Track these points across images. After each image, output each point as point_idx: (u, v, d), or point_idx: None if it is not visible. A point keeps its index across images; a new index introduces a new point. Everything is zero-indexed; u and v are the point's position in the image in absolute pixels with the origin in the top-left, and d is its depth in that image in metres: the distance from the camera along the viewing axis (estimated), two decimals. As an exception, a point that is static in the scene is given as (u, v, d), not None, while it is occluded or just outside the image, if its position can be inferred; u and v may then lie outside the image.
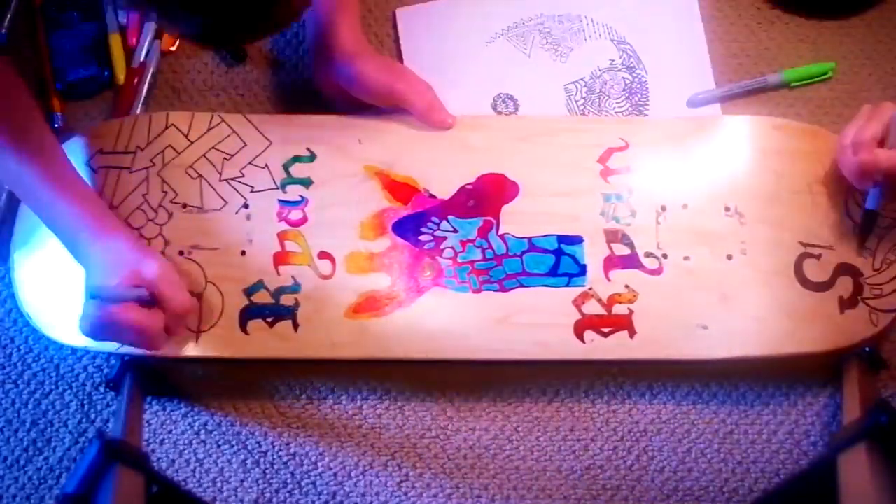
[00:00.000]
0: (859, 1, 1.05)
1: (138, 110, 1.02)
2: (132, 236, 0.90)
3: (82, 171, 0.94)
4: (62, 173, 0.89)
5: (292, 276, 0.91)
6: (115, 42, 1.04)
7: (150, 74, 1.03)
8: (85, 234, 0.87)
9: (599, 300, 0.90)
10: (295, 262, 0.92)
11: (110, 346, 0.88)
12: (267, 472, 0.93)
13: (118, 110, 1.02)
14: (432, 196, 0.94)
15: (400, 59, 1.03)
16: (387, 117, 0.98)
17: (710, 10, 1.06)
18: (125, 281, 0.84)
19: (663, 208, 0.93)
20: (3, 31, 1.04)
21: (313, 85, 0.99)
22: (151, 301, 0.84)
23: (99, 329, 0.84)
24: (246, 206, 0.94)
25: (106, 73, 1.03)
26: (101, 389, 0.95)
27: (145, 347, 0.86)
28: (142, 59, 1.04)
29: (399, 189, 0.94)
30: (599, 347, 0.89)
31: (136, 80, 1.03)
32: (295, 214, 0.93)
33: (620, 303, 0.90)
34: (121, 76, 1.03)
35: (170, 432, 0.94)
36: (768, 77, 1.02)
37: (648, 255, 0.92)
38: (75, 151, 0.95)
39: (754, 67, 1.03)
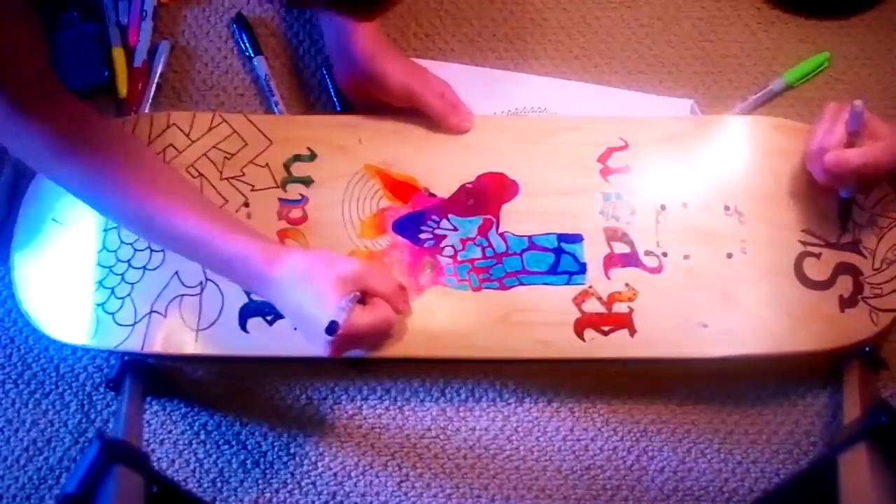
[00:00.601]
0: (859, 1, 1.05)
1: (146, 111, 1.02)
2: (297, 247, 0.91)
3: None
4: (213, 213, 0.86)
5: (292, 275, 0.91)
6: (119, 55, 1.04)
7: (156, 76, 1.04)
8: (257, 266, 0.83)
9: (599, 298, 0.90)
10: (295, 261, 0.92)
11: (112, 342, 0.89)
12: (267, 472, 0.93)
13: (123, 112, 1.02)
14: (432, 195, 0.94)
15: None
16: (387, 117, 0.98)
17: (710, 10, 1.06)
18: (336, 292, 0.82)
19: (663, 207, 0.93)
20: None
21: (337, 84, 1.00)
22: (362, 300, 0.84)
23: (343, 349, 0.84)
24: (246, 204, 0.94)
25: (105, 73, 1.03)
26: (101, 389, 0.95)
27: (385, 339, 0.88)
28: (143, 57, 1.04)
29: (399, 188, 0.94)
30: (599, 346, 0.89)
31: (140, 85, 1.03)
32: (295, 213, 0.94)
33: (620, 301, 0.90)
34: (123, 89, 1.03)
35: (170, 432, 0.94)
36: (772, 85, 1.02)
37: (648, 253, 0.92)
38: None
39: (754, 67, 1.03)
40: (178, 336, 0.90)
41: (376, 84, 0.94)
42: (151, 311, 0.90)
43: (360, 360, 0.91)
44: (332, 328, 0.78)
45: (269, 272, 0.82)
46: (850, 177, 0.87)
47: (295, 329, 0.87)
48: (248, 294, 0.91)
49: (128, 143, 0.88)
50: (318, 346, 0.81)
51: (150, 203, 0.83)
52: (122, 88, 1.03)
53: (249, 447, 0.93)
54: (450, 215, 0.93)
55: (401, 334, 0.90)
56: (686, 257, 0.92)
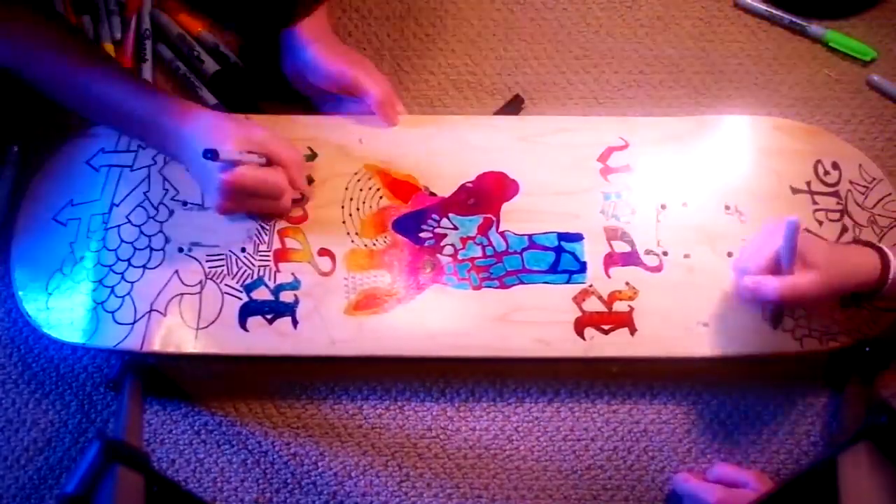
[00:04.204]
0: (859, 1, 1.05)
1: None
2: (211, 110, 0.93)
3: (84, 170, 0.95)
4: (132, 81, 0.92)
5: (292, 273, 0.91)
6: (108, 51, 1.05)
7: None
8: (170, 121, 0.89)
9: (600, 297, 0.90)
10: (295, 259, 0.92)
11: (111, 336, 0.88)
12: (267, 471, 0.93)
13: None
14: (433, 194, 0.94)
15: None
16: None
17: (710, 10, 1.06)
18: (237, 147, 0.86)
19: (663, 206, 0.93)
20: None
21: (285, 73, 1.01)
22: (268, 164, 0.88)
23: (228, 195, 0.88)
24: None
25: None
26: (101, 389, 0.95)
27: (276, 209, 0.92)
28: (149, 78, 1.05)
29: (399, 187, 0.94)
30: (600, 344, 0.89)
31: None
32: (296, 212, 0.94)
33: (621, 300, 0.90)
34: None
35: (170, 432, 0.94)
36: (811, 26, 1.04)
37: (649, 252, 0.92)
38: (77, 151, 0.96)
39: (754, 67, 1.04)
40: (177, 335, 0.89)
41: (312, 69, 0.96)
42: (151, 310, 0.90)
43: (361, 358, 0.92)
44: (209, 153, 0.82)
45: (181, 126, 0.88)
46: (769, 301, 0.86)
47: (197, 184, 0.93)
48: (248, 293, 0.91)
49: (59, 24, 0.93)
50: (210, 197, 0.90)
51: (75, 71, 0.89)
52: None
53: (249, 447, 0.93)
54: (450, 214, 0.93)
55: (401, 333, 0.90)
56: (686, 256, 0.92)
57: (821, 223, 0.92)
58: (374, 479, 0.92)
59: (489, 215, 0.93)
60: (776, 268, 0.83)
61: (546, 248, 0.92)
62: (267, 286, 0.91)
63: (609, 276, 0.91)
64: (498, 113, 1.01)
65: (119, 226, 0.93)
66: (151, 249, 0.92)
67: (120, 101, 0.90)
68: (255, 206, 0.91)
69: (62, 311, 0.91)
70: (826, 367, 0.92)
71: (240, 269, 0.92)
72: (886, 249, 0.85)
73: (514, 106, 1.02)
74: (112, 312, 0.90)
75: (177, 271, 0.91)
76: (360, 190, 0.94)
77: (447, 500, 0.92)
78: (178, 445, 0.94)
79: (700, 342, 0.89)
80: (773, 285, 0.82)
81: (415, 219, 0.93)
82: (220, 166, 0.85)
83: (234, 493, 0.92)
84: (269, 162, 0.89)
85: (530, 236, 0.93)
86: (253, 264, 0.92)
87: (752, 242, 0.88)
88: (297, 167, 0.91)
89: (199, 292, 0.91)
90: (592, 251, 0.92)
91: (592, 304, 0.90)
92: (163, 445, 0.93)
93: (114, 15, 1.07)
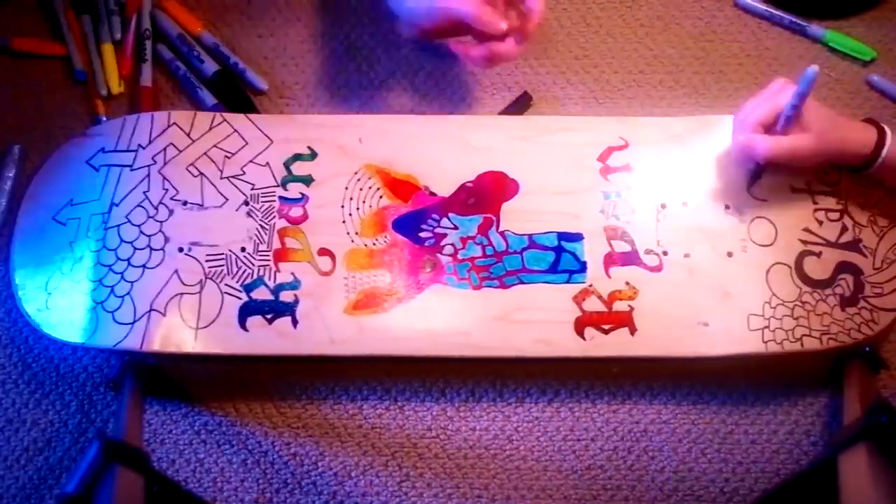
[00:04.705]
0: (859, 1, 1.05)
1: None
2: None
3: (84, 170, 0.95)
4: None
5: (292, 273, 0.91)
6: (108, 51, 1.06)
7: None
8: None
9: (600, 297, 0.90)
10: (295, 259, 0.92)
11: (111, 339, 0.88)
12: (267, 472, 0.92)
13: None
14: (433, 194, 0.94)
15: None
16: (387, 117, 0.99)
17: (710, 10, 1.06)
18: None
19: (663, 206, 0.93)
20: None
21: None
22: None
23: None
24: (246, 203, 0.94)
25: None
26: (101, 389, 0.95)
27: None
28: (149, 83, 1.05)
29: (399, 187, 0.94)
30: (600, 344, 0.89)
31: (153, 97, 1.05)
32: (295, 212, 0.94)
33: (621, 300, 0.90)
34: (113, 85, 1.05)
35: (170, 432, 0.94)
36: (811, 26, 1.04)
37: (649, 252, 0.92)
38: (77, 151, 0.96)
39: (754, 67, 1.04)
40: (177, 334, 0.89)
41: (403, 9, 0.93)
42: (151, 310, 0.90)
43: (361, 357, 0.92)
44: None
45: None
46: (758, 159, 0.89)
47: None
48: (248, 292, 0.91)
49: None
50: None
51: None
52: (113, 85, 1.05)
53: (249, 447, 0.93)
54: (450, 214, 0.93)
55: (400, 333, 0.90)
56: (686, 256, 0.91)
57: (821, 223, 0.92)
58: (374, 479, 0.92)
59: (489, 215, 0.93)
60: (772, 126, 0.88)
61: (546, 248, 0.92)
62: (267, 286, 0.91)
63: (609, 276, 0.91)
64: (505, 111, 1.01)
65: (119, 225, 0.93)
66: (151, 249, 0.92)
67: None
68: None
69: (62, 310, 0.91)
70: (826, 367, 0.92)
71: (239, 268, 0.92)
72: (888, 130, 0.87)
73: (522, 103, 1.02)
74: (112, 312, 0.90)
75: (176, 271, 0.91)
76: (360, 189, 0.94)
77: (447, 500, 0.92)
78: (178, 445, 0.93)
79: (700, 342, 0.89)
80: (766, 144, 0.86)
81: (415, 218, 0.93)
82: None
83: (234, 493, 0.92)
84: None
85: (530, 236, 0.93)
86: (253, 264, 0.92)
87: (756, 97, 0.90)
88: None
89: (199, 292, 0.91)
90: (592, 251, 0.92)
91: (592, 304, 0.90)
92: (163, 445, 0.93)
93: (114, 15, 1.07)
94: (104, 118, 1.02)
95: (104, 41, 1.06)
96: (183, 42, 1.06)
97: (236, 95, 1.03)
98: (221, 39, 1.07)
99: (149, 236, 0.92)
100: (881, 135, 0.88)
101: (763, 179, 0.93)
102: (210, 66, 1.04)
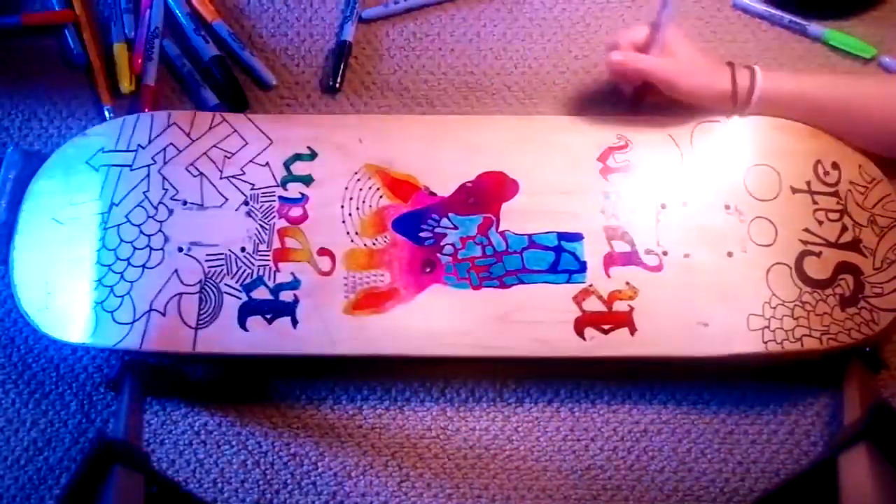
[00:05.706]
0: (859, 1, 1.05)
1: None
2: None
3: (83, 170, 0.95)
4: None
5: (292, 273, 0.91)
6: (121, 51, 1.06)
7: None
8: None
9: (600, 297, 0.90)
10: (295, 259, 0.92)
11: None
12: (267, 472, 0.92)
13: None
14: (432, 193, 0.94)
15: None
16: (387, 117, 1.00)
17: (710, 10, 1.06)
18: None
19: (663, 206, 0.93)
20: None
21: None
22: None
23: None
24: (246, 203, 0.94)
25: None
26: (101, 389, 0.95)
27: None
28: (152, 83, 1.06)
29: (399, 187, 0.94)
30: (600, 344, 0.89)
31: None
32: (295, 212, 0.94)
33: (621, 300, 0.90)
34: (125, 84, 1.05)
35: (170, 432, 0.94)
36: (811, 25, 1.04)
37: (649, 252, 0.92)
38: (77, 151, 0.96)
39: (754, 67, 1.04)
40: (177, 334, 0.89)
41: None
42: (150, 310, 0.90)
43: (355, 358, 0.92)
44: None
45: None
46: (632, 76, 0.95)
47: None
48: (247, 292, 0.91)
49: None
50: None
51: None
52: (126, 84, 1.05)
53: (249, 447, 0.93)
54: (450, 214, 0.93)
55: (400, 333, 0.89)
56: (686, 256, 0.91)
57: (821, 223, 0.92)
58: (374, 479, 0.92)
59: (489, 215, 0.93)
60: (644, 49, 0.94)
61: (546, 248, 0.92)
62: (266, 286, 0.91)
63: (609, 276, 0.91)
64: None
65: (118, 225, 0.93)
66: (151, 249, 0.92)
67: None
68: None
69: (62, 310, 0.91)
70: (826, 368, 0.92)
71: (239, 268, 0.92)
72: (757, 68, 0.94)
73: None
74: (111, 312, 0.90)
75: (176, 271, 0.91)
76: (360, 189, 0.94)
77: (447, 500, 0.92)
78: (178, 445, 0.94)
79: (700, 342, 0.89)
80: (641, 63, 0.93)
81: (415, 218, 0.93)
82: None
83: (234, 493, 0.92)
84: None
85: (530, 236, 0.92)
86: (252, 264, 0.92)
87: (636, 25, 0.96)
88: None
89: (199, 292, 0.91)
90: (592, 251, 0.92)
91: (592, 304, 0.90)
92: (163, 445, 0.93)
93: (127, 13, 1.08)
94: (110, 110, 1.04)
95: (117, 41, 1.07)
96: (192, 20, 1.07)
97: (229, 84, 1.03)
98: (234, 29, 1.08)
99: (148, 236, 0.92)
100: (733, 71, 0.94)
101: (763, 179, 0.93)
102: (210, 50, 1.04)
